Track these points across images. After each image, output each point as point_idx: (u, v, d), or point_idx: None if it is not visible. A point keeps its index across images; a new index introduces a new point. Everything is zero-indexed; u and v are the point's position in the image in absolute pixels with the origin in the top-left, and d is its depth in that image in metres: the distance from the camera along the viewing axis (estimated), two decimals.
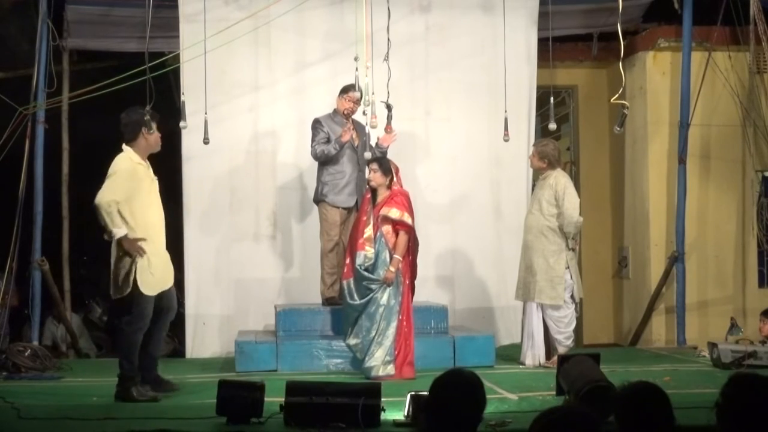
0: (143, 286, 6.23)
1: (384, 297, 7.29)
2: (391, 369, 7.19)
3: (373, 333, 7.26)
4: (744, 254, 9.81)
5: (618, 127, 7.90)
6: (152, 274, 6.29)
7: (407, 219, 7.35)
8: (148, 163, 6.51)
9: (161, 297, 6.42)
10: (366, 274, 7.30)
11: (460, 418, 3.36)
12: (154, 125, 6.47)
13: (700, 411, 5.37)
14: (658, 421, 3.27)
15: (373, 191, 7.48)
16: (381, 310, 7.28)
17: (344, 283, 7.47)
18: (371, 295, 7.30)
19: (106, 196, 6.18)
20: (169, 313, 6.57)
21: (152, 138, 6.48)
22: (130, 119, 6.45)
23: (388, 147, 7.87)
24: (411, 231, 7.41)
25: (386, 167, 7.45)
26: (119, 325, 6.60)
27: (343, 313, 7.59)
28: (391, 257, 7.31)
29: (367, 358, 7.24)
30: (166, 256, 6.53)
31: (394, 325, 7.28)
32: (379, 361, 7.19)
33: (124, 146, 6.47)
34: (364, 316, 7.33)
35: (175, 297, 6.66)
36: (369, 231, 7.35)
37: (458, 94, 9.25)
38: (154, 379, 6.55)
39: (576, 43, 10.33)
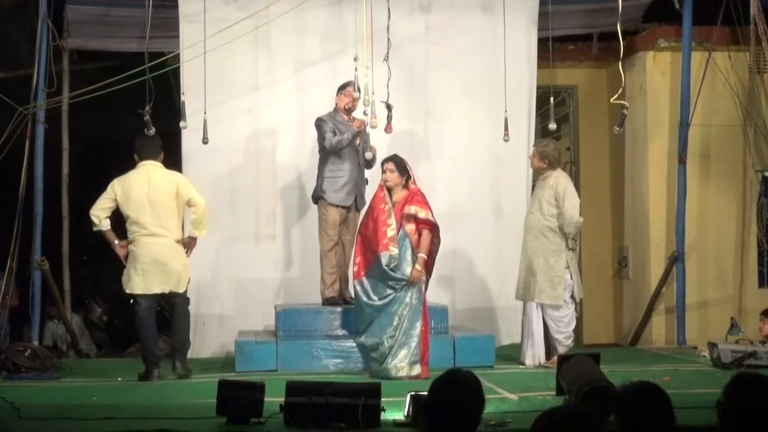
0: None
1: (408, 296, 7.22)
2: (418, 369, 7.13)
3: (395, 332, 7.18)
4: (744, 254, 9.81)
5: (618, 128, 7.93)
6: None
7: (433, 218, 7.31)
8: None
9: None
10: (393, 273, 7.19)
11: (459, 418, 3.36)
12: None
13: (700, 411, 5.37)
14: (659, 421, 3.27)
15: (388, 190, 7.38)
16: (404, 309, 7.21)
17: (356, 282, 7.37)
18: (393, 294, 7.22)
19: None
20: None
21: None
22: (159, 145, 7.42)
23: (373, 158, 7.83)
24: (435, 230, 7.37)
25: (402, 167, 7.37)
26: (183, 310, 7.43)
27: (357, 312, 7.48)
28: (414, 256, 7.25)
29: (390, 359, 7.16)
30: None
31: (418, 324, 7.22)
32: (405, 362, 7.14)
33: (160, 163, 7.40)
34: (384, 315, 7.24)
35: None
36: (392, 230, 7.23)
37: (458, 94, 9.25)
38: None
39: (576, 43, 10.33)
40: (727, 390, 3.15)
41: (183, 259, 7.31)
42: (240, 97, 8.95)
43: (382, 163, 7.49)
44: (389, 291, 7.23)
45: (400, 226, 7.26)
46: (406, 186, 7.38)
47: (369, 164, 7.93)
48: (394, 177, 7.34)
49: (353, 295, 7.56)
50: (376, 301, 7.26)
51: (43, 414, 5.68)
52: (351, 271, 7.60)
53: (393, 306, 7.23)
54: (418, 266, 7.21)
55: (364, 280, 7.32)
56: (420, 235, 7.30)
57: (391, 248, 7.20)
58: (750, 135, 9.70)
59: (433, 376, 3.57)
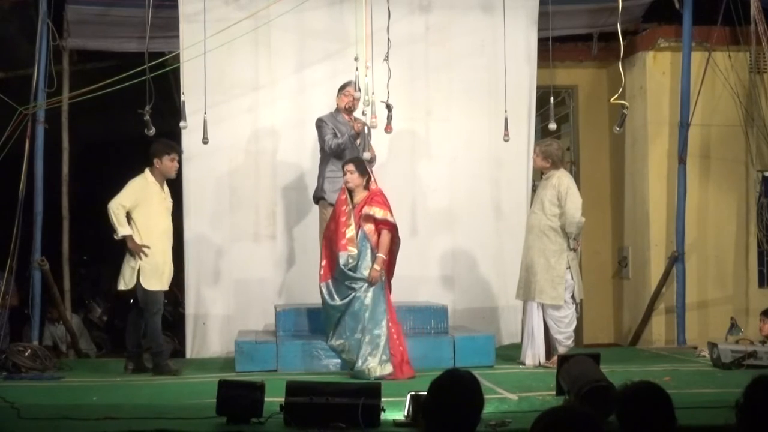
0: (145, 281, 7.44)
1: (368, 296, 7.24)
2: (388, 367, 7.14)
3: (359, 334, 7.20)
4: (744, 254, 9.81)
5: (618, 127, 7.93)
6: (152, 273, 7.49)
7: (391, 218, 7.34)
8: (163, 186, 7.66)
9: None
10: (351, 273, 7.24)
11: (459, 418, 3.36)
12: (167, 156, 7.60)
13: (700, 411, 5.38)
14: (660, 421, 3.26)
15: (349, 192, 7.41)
16: (366, 310, 7.22)
17: (321, 285, 7.40)
18: (353, 294, 7.24)
19: (115, 200, 7.43)
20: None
21: (164, 166, 7.60)
22: (152, 148, 7.61)
23: (372, 159, 7.84)
24: (394, 230, 7.40)
25: (363, 168, 7.42)
26: (145, 314, 7.61)
27: (323, 314, 7.52)
28: (374, 256, 7.27)
29: (359, 361, 7.17)
30: (165, 260, 7.61)
31: (383, 324, 7.23)
32: (375, 362, 7.13)
33: (146, 169, 7.63)
34: (348, 316, 7.28)
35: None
36: (351, 231, 7.29)
37: (458, 94, 9.25)
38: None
39: (576, 43, 10.34)
40: (748, 391, 3.13)
41: (130, 262, 7.52)
42: (240, 97, 8.94)
43: (343, 165, 7.50)
44: (349, 292, 7.26)
45: (359, 227, 7.29)
46: (367, 187, 7.40)
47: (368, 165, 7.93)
48: (354, 178, 7.36)
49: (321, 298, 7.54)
50: (338, 302, 7.30)
51: (43, 414, 5.67)
52: (318, 274, 7.58)
53: (354, 307, 7.25)
54: (376, 266, 7.24)
55: (329, 282, 7.36)
56: (380, 236, 7.31)
57: (349, 248, 7.25)
58: (750, 135, 9.70)
59: (433, 376, 3.56)
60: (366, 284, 7.25)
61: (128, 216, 7.47)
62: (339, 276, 7.29)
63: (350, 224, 7.31)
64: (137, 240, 7.45)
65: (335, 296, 7.33)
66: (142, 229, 7.48)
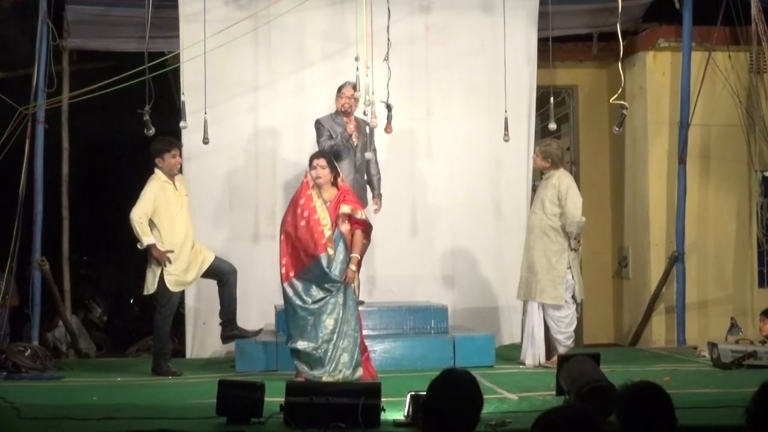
0: (170, 284, 7.43)
1: (341, 298, 6.94)
2: (360, 371, 6.94)
3: (332, 336, 6.90)
4: (744, 254, 9.81)
5: (617, 128, 7.94)
6: (177, 276, 7.46)
7: (367, 218, 7.08)
8: (176, 181, 7.57)
9: (211, 273, 7.68)
10: (331, 275, 6.89)
11: (458, 418, 3.36)
12: (168, 153, 7.50)
13: (700, 411, 5.39)
14: (660, 421, 3.27)
15: (317, 188, 7.05)
16: (340, 312, 6.92)
17: (286, 285, 6.98)
18: (327, 296, 6.92)
19: (137, 209, 7.31)
20: (229, 275, 7.70)
21: (166, 164, 7.51)
22: (152, 148, 7.52)
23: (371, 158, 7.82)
24: (369, 230, 7.11)
25: (332, 163, 7.10)
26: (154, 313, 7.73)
27: (290, 316, 7.02)
28: (347, 257, 6.94)
29: (331, 365, 6.88)
30: (189, 258, 7.55)
31: (354, 326, 6.99)
32: (349, 368, 6.89)
33: (156, 170, 7.55)
34: (319, 319, 6.91)
35: (225, 263, 7.79)
36: (329, 231, 6.93)
37: (458, 94, 9.25)
38: (236, 330, 7.69)
39: (576, 43, 10.33)
40: (757, 397, 3.12)
41: (154, 268, 7.47)
42: (240, 96, 8.95)
43: (311, 159, 7.16)
44: (323, 294, 6.92)
45: (335, 227, 6.97)
46: (334, 183, 7.08)
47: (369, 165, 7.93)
48: (325, 173, 7.00)
49: (283, 299, 7.10)
50: (310, 304, 6.92)
51: (43, 414, 5.67)
52: (279, 273, 7.17)
53: (328, 309, 6.92)
54: (353, 266, 6.91)
55: (295, 282, 6.95)
56: (353, 235, 7.03)
57: (329, 249, 6.91)
58: (750, 135, 9.70)
59: (433, 376, 3.56)
60: (340, 285, 6.92)
61: (150, 222, 7.37)
62: (314, 278, 6.91)
63: (326, 223, 6.94)
64: (161, 246, 7.33)
65: (305, 297, 6.93)
66: (165, 232, 7.40)
